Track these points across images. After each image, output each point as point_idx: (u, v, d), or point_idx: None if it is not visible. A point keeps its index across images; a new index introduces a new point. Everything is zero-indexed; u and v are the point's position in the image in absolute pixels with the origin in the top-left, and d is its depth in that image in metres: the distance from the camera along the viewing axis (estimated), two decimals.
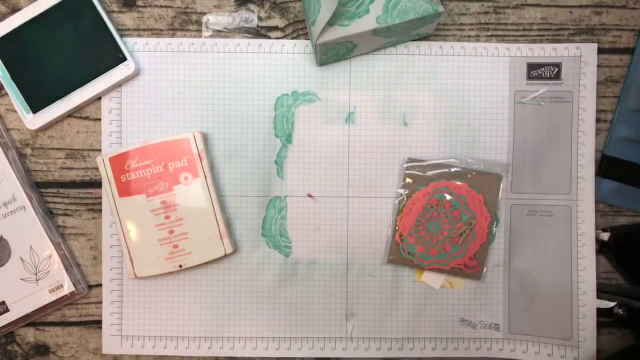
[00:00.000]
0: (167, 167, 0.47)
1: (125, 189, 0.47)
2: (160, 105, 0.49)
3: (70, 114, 0.49)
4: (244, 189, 0.49)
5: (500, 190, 0.48)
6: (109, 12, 0.48)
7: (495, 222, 0.49)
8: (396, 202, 0.49)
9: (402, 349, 0.49)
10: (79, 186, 0.49)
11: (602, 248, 0.49)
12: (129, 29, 0.49)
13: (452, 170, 0.48)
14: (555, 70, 0.49)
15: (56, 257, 0.48)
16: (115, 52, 0.47)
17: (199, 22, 0.49)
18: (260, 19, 0.49)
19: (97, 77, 0.47)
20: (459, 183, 0.48)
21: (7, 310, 0.47)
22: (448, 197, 0.48)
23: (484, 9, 0.49)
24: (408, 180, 0.48)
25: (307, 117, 0.49)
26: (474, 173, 0.48)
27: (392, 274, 0.49)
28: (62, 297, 0.48)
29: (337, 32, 0.43)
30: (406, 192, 0.48)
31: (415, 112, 0.49)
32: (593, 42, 0.49)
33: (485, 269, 0.49)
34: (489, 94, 0.49)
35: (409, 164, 0.48)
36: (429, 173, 0.48)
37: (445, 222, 0.48)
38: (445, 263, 0.48)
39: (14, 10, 0.48)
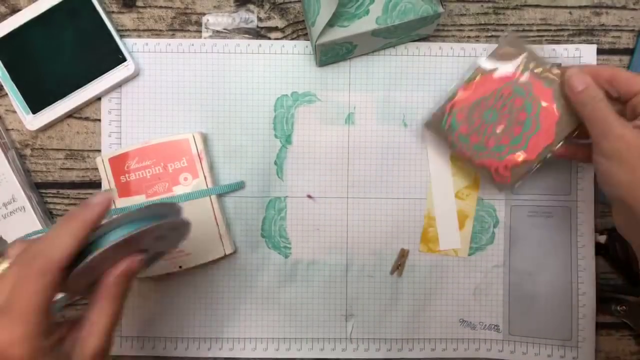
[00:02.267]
0: (167, 168, 0.47)
1: (125, 190, 0.47)
2: (160, 105, 0.49)
3: (70, 115, 0.49)
4: (243, 190, 0.49)
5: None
6: (108, 13, 0.48)
7: (496, 224, 0.49)
8: (467, 72, 0.45)
9: (401, 350, 0.49)
10: (78, 187, 0.49)
11: (600, 250, 0.49)
12: (128, 30, 0.49)
13: (544, 70, 0.43)
14: None
15: None
16: (115, 53, 0.47)
17: (198, 23, 0.49)
18: (260, 19, 0.49)
19: (96, 77, 0.47)
20: (545, 87, 0.42)
21: None
22: (524, 93, 0.42)
23: (484, 10, 0.49)
24: (505, 49, 0.43)
25: (307, 117, 0.49)
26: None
27: (393, 277, 0.49)
28: (60, 297, 0.47)
29: (337, 33, 0.43)
30: (489, 65, 0.43)
31: (415, 113, 0.49)
32: (593, 42, 0.49)
33: (516, 185, 0.45)
34: None
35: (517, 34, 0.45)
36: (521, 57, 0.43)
37: (505, 111, 0.43)
38: (484, 156, 0.43)
39: (14, 10, 0.48)
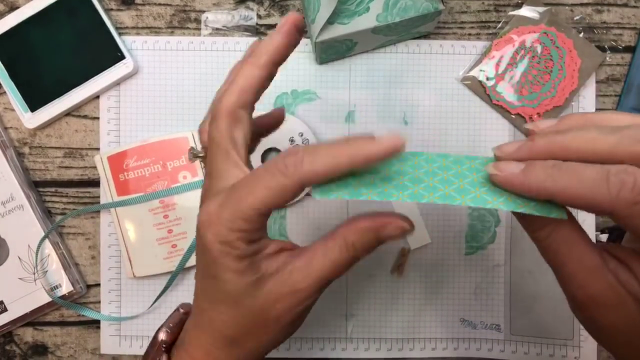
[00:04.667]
0: (166, 166, 0.47)
1: (123, 188, 0.47)
2: (158, 103, 0.49)
3: (68, 113, 0.49)
4: None
5: (595, 72, 0.48)
6: (107, 10, 0.48)
7: (497, 222, 0.49)
8: (498, 28, 0.48)
9: (402, 350, 0.49)
10: (77, 185, 0.49)
11: None
12: (127, 27, 0.49)
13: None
14: None
15: (54, 257, 0.47)
16: (114, 51, 0.47)
17: (197, 20, 0.49)
18: (259, 16, 0.49)
19: (95, 75, 0.47)
20: (567, 38, 0.47)
21: (5, 310, 0.47)
22: (550, 43, 0.47)
23: (485, 7, 0.49)
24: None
25: (307, 115, 0.49)
26: (580, 36, 0.48)
27: (393, 277, 0.49)
28: (61, 296, 0.47)
29: (337, 30, 0.43)
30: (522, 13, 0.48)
31: (415, 110, 0.49)
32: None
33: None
34: None
35: None
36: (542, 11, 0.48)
37: (535, 60, 0.47)
38: (519, 104, 0.47)
39: (12, 8, 0.48)
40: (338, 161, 0.25)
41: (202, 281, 0.28)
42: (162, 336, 0.30)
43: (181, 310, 0.32)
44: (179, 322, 0.31)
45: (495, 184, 0.25)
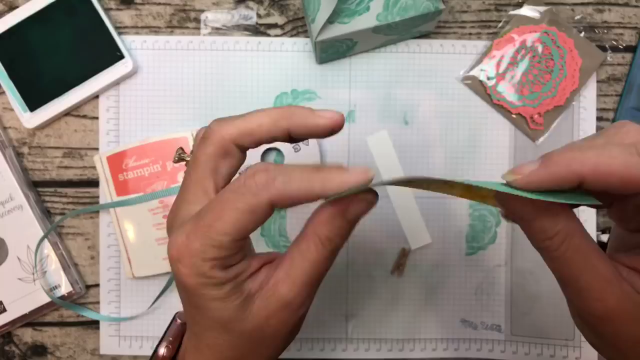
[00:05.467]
0: (165, 166, 0.46)
1: (123, 188, 0.47)
2: (158, 103, 0.49)
3: (67, 113, 0.48)
4: None
5: (595, 72, 0.48)
6: (106, 10, 0.48)
7: (498, 222, 0.48)
8: (500, 25, 0.48)
9: (402, 350, 0.49)
10: (76, 185, 0.49)
11: (602, 249, 0.48)
12: (126, 27, 0.49)
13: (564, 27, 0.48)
14: None
15: (54, 257, 0.47)
16: (113, 50, 0.47)
17: (197, 20, 0.49)
18: (259, 16, 0.49)
19: (94, 75, 0.47)
20: (568, 37, 0.47)
21: (4, 310, 0.47)
22: (550, 43, 0.47)
23: (485, 7, 0.49)
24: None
25: None
26: (581, 36, 0.48)
27: (393, 277, 0.49)
28: (60, 297, 0.47)
29: (337, 30, 0.42)
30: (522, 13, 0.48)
31: (416, 110, 0.49)
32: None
33: (547, 133, 0.48)
34: None
35: None
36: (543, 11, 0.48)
37: (535, 60, 0.47)
38: (520, 104, 0.47)
39: (11, 8, 0.48)
40: (312, 186, 0.24)
41: (189, 310, 0.27)
42: (162, 351, 0.30)
43: (178, 321, 0.32)
44: (177, 335, 0.31)
45: (518, 189, 0.23)
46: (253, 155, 0.47)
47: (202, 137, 0.28)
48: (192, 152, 0.30)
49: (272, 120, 0.26)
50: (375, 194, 0.26)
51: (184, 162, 0.30)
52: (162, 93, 0.49)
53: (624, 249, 0.27)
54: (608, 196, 0.25)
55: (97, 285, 0.49)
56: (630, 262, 0.24)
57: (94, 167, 0.49)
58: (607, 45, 0.49)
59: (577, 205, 0.24)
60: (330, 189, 0.24)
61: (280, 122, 0.26)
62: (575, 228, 0.23)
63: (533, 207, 0.24)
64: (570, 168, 0.21)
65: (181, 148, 0.30)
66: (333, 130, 0.27)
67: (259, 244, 0.49)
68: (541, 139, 0.48)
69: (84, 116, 0.49)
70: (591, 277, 0.23)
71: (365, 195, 0.25)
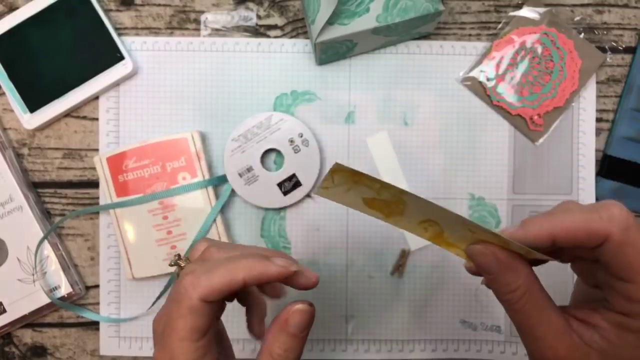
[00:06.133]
0: (165, 167, 0.46)
1: (122, 189, 0.47)
2: (158, 104, 0.49)
3: (67, 114, 0.48)
4: None
5: (595, 73, 0.48)
6: (106, 11, 0.48)
7: (498, 224, 0.49)
8: (500, 26, 0.48)
9: (402, 351, 0.49)
10: (76, 186, 0.49)
11: None
12: (126, 28, 0.49)
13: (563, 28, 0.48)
14: None
15: (53, 258, 0.47)
16: (113, 51, 0.47)
17: (197, 21, 0.49)
18: (259, 17, 0.49)
19: (94, 76, 0.47)
20: (567, 39, 0.47)
21: (4, 311, 0.47)
22: (550, 44, 0.47)
23: (485, 8, 0.49)
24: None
25: (307, 116, 0.49)
26: (581, 37, 0.48)
27: (393, 278, 0.49)
28: (60, 298, 0.47)
29: (337, 31, 0.42)
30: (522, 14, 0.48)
31: (415, 111, 0.49)
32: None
33: (547, 134, 0.48)
34: None
35: None
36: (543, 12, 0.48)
37: (535, 61, 0.47)
38: (519, 105, 0.47)
39: (11, 9, 0.48)
40: (236, 276, 0.27)
41: None
42: None
43: None
44: None
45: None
46: (253, 155, 0.47)
47: (174, 298, 0.28)
48: (186, 258, 0.32)
49: (232, 276, 0.28)
50: (309, 303, 0.29)
51: (177, 260, 0.32)
52: (162, 94, 0.49)
53: (583, 300, 0.30)
54: (570, 253, 0.29)
55: (97, 286, 0.49)
56: (581, 315, 0.27)
57: (93, 168, 0.49)
58: (606, 47, 0.49)
59: (541, 262, 0.28)
60: (252, 278, 0.27)
61: (238, 276, 0.28)
62: (533, 283, 0.27)
63: (498, 263, 0.27)
64: (542, 229, 0.26)
65: (178, 254, 0.32)
66: (289, 278, 0.29)
67: (259, 245, 0.49)
68: (541, 140, 0.48)
69: (84, 117, 0.49)
70: (545, 328, 0.26)
71: (299, 306, 0.29)
